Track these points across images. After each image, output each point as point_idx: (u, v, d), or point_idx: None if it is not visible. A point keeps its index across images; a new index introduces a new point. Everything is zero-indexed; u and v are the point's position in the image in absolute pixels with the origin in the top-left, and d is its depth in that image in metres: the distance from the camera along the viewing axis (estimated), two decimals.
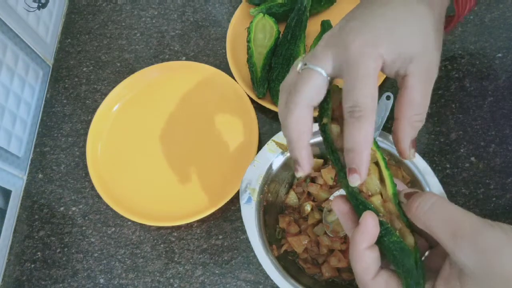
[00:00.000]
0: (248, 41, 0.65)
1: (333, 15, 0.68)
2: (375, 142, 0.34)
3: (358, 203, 0.32)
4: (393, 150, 0.51)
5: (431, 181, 0.48)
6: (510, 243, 0.25)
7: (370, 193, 0.32)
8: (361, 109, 0.31)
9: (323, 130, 0.35)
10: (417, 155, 0.50)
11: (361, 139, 0.31)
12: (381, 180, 0.33)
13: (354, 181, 0.31)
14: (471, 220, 0.27)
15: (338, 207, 0.33)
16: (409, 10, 0.34)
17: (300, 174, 0.34)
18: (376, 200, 0.32)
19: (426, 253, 0.32)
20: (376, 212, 0.31)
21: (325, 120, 0.35)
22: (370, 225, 0.30)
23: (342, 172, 0.33)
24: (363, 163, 0.31)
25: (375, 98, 0.31)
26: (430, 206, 0.28)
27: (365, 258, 0.29)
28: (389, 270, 0.30)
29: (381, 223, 0.30)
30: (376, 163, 0.33)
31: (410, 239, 0.30)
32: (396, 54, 0.33)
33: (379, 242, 0.30)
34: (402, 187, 0.33)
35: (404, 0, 0.35)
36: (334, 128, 0.35)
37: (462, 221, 0.27)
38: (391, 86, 0.63)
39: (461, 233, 0.26)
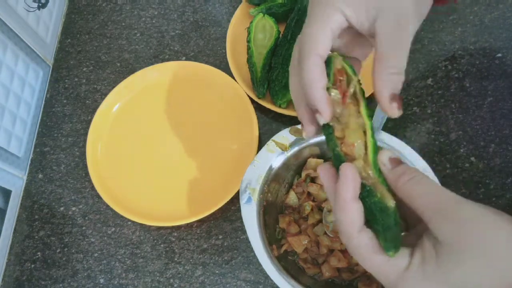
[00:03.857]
0: (248, 41, 0.65)
1: None
2: (368, 109, 0.35)
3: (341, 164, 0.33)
4: (393, 151, 0.51)
5: None
6: (484, 215, 0.27)
7: (354, 157, 0.34)
8: (301, 52, 0.34)
9: None
10: (417, 155, 0.50)
11: (306, 77, 0.34)
12: (366, 147, 0.34)
13: (319, 119, 0.34)
14: (451, 195, 0.28)
15: (323, 171, 0.33)
16: None
17: (322, 121, 0.34)
18: (359, 164, 0.33)
19: (403, 234, 0.33)
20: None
21: (327, 85, 0.36)
22: (350, 174, 0.31)
23: (330, 135, 0.35)
24: (318, 99, 0.33)
25: (317, 41, 0.34)
26: (416, 180, 0.30)
27: (352, 209, 0.30)
28: (372, 230, 0.31)
29: (362, 185, 0.32)
30: (366, 132, 0.35)
31: (390, 203, 0.31)
32: (361, 10, 0.34)
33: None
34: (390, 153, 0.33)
35: None
36: (333, 91, 0.36)
37: (442, 195, 0.29)
38: None
39: (441, 205, 0.28)
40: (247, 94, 0.63)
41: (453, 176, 0.57)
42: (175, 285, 0.56)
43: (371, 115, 0.35)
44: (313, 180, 0.55)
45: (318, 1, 0.36)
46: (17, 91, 0.65)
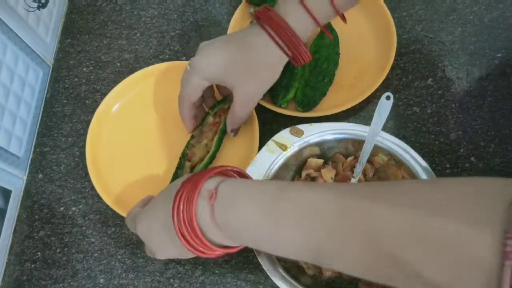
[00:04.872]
0: None
1: None
2: (220, 141, 0.58)
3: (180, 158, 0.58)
4: (393, 151, 0.51)
5: None
6: None
7: (190, 160, 0.57)
8: (180, 92, 0.56)
9: (204, 117, 0.59)
10: (417, 155, 0.50)
11: (181, 111, 0.58)
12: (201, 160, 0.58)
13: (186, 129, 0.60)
14: None
15: None
16: (249, 49, 0.51)
17: (187, 131, 0.60)
18: (187, 164, 0.57)
19: None
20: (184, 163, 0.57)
21: (209, 111, 0.59)
22: (147, 197, 0.53)
23: (190, 139, 0.59)
24: (185, 124, 0.59)
25: (186, 96, 0.56)
26: None
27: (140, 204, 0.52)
28: None
29: (181, 163, 0.57)
30: (208, 152, 0.58)
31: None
32: (220, 81, 0.54)
33: (176, 172, 0.57)
34: None
35: (256, 43, 0.51)
36: (210, 118, 0.59)
37: None
38: (389, 86, 0.63)
39: None
40: None
41: (453, 176, 0.57)
42: (175, 285, 0.56)
43: (219, 145, 0.58)
44: (313, 180, 0.55)
45: (197, 70, 0.53)
46: (17, 91, 0.65)
